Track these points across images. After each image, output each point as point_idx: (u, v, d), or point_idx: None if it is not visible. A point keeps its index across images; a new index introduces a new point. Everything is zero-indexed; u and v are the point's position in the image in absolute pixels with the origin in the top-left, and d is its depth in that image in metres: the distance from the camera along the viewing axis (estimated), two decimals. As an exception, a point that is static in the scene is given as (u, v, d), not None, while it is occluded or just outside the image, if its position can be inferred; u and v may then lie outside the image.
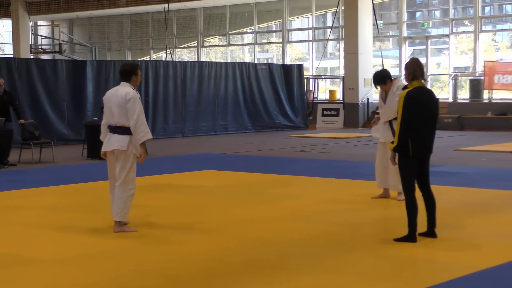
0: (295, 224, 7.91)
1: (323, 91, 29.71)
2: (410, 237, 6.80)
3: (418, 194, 6.93)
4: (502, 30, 28.58)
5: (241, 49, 34.09)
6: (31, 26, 34.84)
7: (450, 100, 25.53)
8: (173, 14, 33.03)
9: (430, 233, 6.97)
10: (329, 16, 31.02)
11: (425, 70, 7.07)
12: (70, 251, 6.71)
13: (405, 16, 28.03)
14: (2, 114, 14.33)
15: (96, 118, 16.34)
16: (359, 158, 14.98)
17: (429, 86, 6.56)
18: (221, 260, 6.30)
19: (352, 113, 25.88)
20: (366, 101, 25.87)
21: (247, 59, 32.64)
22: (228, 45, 33.26)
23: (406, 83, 7.21)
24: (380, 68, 23.15)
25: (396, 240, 6.85)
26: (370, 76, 23.20)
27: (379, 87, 9.34)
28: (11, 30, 34.39)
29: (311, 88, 28.10)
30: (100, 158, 14.45)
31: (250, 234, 7.40)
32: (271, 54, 33.63)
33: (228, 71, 23.57)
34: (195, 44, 34.01)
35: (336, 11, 27.51)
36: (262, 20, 32.33)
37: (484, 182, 11.16)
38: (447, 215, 8.02)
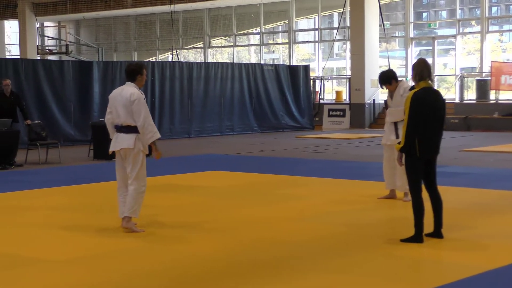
0: (302, 225, 7.90)
1: (329, 91, 29.70)
2: (417, 238, 6.79)
3: (425, 194, 6.91)
4: (509, 30, 28.52)
5: (247, 50, 34.10)
6: (37, 27, 34.93)
7: (457, 100, 25.49)
8: (179, 15, 33.07)
9: (437, 233, 6.96)
10: (336, 17, 31.00)
11: (432, 70, 7.04)
12: (76, 252, 6.72)
13: (411, 17, 27.99)
14: (9, 115, 14.37)
15: (103, 119, 16.30)
16: (365, 159, 14.97)
17: (435, 87, 6.57)
18: (228, 260, 6.30)
19: (359, 114, 25.86)
20: (372, 102, 25.85)
21: (253, 59, 32.65)
22: (235, 45, 33.27)
23: (412, 85, 7.20)
24: (386, 69, 23.10)
25: (403, 240, 6.84)
26: (376, 77, 23.10)
27: (385, 87, 9.34)
28: (18, 31, 34.48)
29: (317, 88, 28.09)
30: (107, 158, 14.58)
31: (257, 235, 7.40)
32: (277, 55, 33.64)
33: (235, 72, 23.58)
34: (202, 45, 34.04)
35: (343, 12, 27.49)
36: (269, 20, 32.33)
37: (490, 182, 11.13)
38: (454, 216, 8.00)
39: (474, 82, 25.66)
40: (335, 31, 28.89)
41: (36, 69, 18.66)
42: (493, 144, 18.12)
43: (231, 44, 33.44)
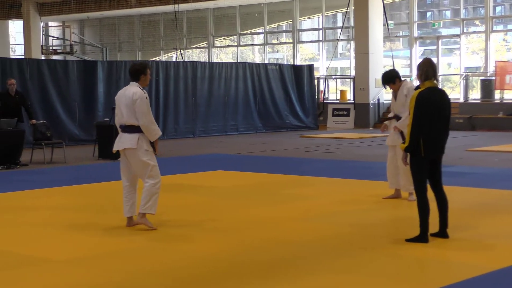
0: (307, 225, 7.90)
1: (333, 91, 29.69)
2: (422, 238, 6.78)
3: (430, 194, 6.91)
4: (514, 30, 28.47)
5: (251, 50, 34.10)
6: (42, 27, 34.98)
7: (461, 100, 25.44)
8: (183, 14, 33.07)
9: (442, 233, 6.95)
10: (340, 16, 30.97)
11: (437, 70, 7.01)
12: (80, 251, 6.73)
13: (415, 16, 27.97)
14: (14, 114, 14.40)
15: (107, 119, 16.38)
16: (370, 159, 14.96)
17: (440, 86, 6.56)
18: (232, 260, 6.30)
19: (363, 114, 25.84)
20: (376, 101, 25.82)
21: (258, 59, 32.65)
22: (239, 45, 33.28)
23: (417, 84, 7.19)
24: (390, 68, 23.07)
25: (408, 240, 6.83)
26: (380, 77, 23.14)
27: (388, 88, 9.33)
28: (22, 31, 34.52)
29: (321, 88, 28.08)
30: (111, 158, 14.60)
31: (261, 235, 7.40)
32: (282, 55, 33.63)
33: (239, 72, 23.58)
34: (206, 45, 34.05)
35: (347, 11, 27.47)
36: (273, 20, 32.33)
37: (495, 182, 11.12)
38: (459, 216, 7.99)
39: (479, 82, 25.62)
40: (339, 30, 28.87)
41: (41, 69, 18.68)
42: (498, 143, 18.09)
43: (235, 43, 33.45)
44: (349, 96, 27.89)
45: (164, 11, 33.00)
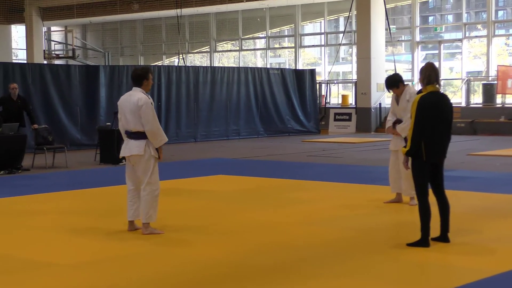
0: (309, 229, 7.91)
1: (335, 95, 29.69)
2: (423, 242, 6.78)
3: (432, 199, 6.91)
4: (515, 34, 28.46)
5: (253, 54, 34.13)
6: (44, 32, 35.05)
7: (463, 104, 25.43)
8: (185, 19, 33.12)
9: (443, 237, 6.95)
10: (342, 21, 31.00)
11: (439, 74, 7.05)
12: (83, 256, 6.74)
13: (417, 21, 27.98)
14: (16, 119, 14.42)
15: (109, 123, 16.39)
16: (371, 163, 14.96)
17: (441, 91, 6.57)
18: (235, 264, 6.30)
19: (365, 118, 25.84)
20: (378, 106, 25.82)
21: (260, 64, 32.68)
22: (241, 50, 33.30)
23: (420, 88, 7.20)
24: (392, 72, 23.08)
25: (409, 245, 6.83)
26: (382, 81, 23.08)
27: (391, 92, 9.34)
28: (25, 35, 34.59)
29: (323, 92, 28.08)
30: (113, 162, 14.62)
31: (264, 239, 7.40)
32: (284, 59, 33.65)
33: (241, 76, 23.60)
34: (208, 49, 34.08)
35: (349, 16, 27.49)
36: (275, 25, 32.36)
37: (497, 186, 11.11)
38: (461, 220, 7.99)
39: (481, 86, 25.60)
40: (341, 35, 28.89)
41: (43, 73, 18.71)
42: (500, 148, 18.08)
43: (237, 48, 33.48)
44: (351, 100, 27.88)
45: (166, 16, 33.04)
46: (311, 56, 32.74)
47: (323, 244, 7.08)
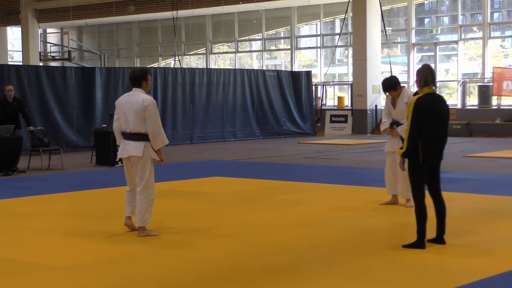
0: (306, 230, 7.91)
1: (331, 97, 29.72)
2: (419, 244, 6.79)
3: (429, 201, 6.91)
4: (511, 36, 28.51)
5: (249, 56, 34.14)
6: (40, 34, 35.00)
7: (459, 106, 25.46)
8: (181, 21, 33.10)
9: (439, 239, 6.96)
10: (338, 23, 31.03)
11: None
12: (80, 258, 6.72)
13: (413, 23, 28.03)
14: (12, 121, 14.40)
15: (105, 125, 16.38)
16: (367, 165, 14.97)
17: (437, 93, 6.59)
18: (233, 266, 6.30)
19: (361, 120, 25.86)
20: (374, 108, 25.84)
21: (256, 65, 32.69)
22: (237, 51, 33.32)
23: (416, 90, 7.21)
24: (388, 74, 23.13)
25: (405, 246, 6.84)
26: (378, 83, 23.17)
27: (388, 94, 9.34)
28: (20, 37, 34.54)
29: (319, 94, 28.10)
30: (109, 164, 14.60)
31: (261, 240, 7.40)
32: (280, 61, 33.67)
33: (237, 78, 23.60)
34: (204, 51, 34.09)
35: (345, 18, 27.52)
36: (271, 26, 32.38)
37: (493, 188, 11.13)
38: (457, 221, 8.00)
39: (476, 88, 25.65)
40: (337, 37, 28.91)
41: (39, 75, 18.67)
42: (496, 150, 18.11)
43: (233, 50, 33.49)
44: (347, 102, 27.89)
45: (162, 18, 33.05)
46: (307, 58, 32.76)
47: (321, 246, 7.08)
